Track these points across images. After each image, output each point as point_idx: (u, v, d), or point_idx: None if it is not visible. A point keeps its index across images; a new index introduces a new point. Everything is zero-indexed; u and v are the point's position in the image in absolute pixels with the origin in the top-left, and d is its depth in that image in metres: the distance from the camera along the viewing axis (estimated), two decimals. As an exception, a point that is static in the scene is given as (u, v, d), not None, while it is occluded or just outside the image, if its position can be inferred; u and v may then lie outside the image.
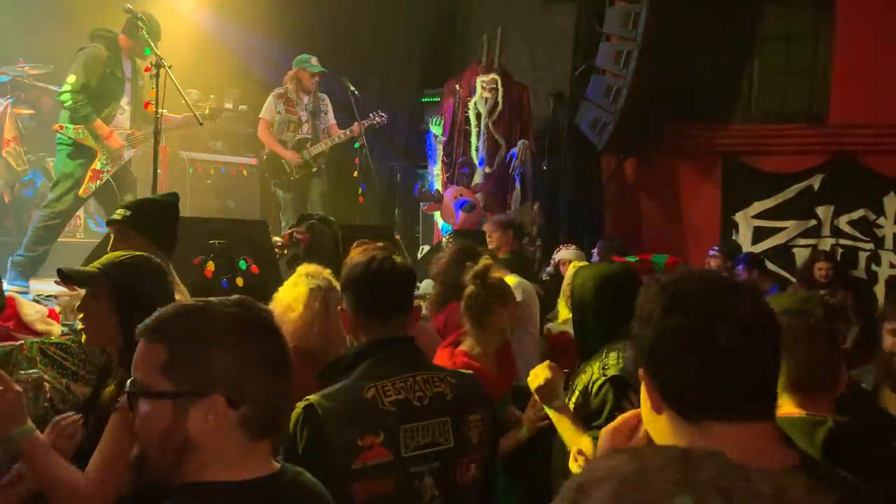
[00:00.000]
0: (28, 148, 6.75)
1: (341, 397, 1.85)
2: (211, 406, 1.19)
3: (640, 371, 1.15)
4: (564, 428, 2.18)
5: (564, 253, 5.81)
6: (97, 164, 5.20)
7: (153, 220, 2.97)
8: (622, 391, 2.19)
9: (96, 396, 2.18)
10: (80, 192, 5.15)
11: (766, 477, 0.67)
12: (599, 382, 2.25)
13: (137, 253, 2.24)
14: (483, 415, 2.02)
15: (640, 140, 7.43)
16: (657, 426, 1.16)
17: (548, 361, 2.29)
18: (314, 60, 6.38)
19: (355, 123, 6.35)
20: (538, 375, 2.21)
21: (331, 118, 6.52)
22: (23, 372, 2.21)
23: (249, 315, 1.26)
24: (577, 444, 2.03)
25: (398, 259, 2.05)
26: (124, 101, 5.31)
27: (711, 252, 6.47)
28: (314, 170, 6.36)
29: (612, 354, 2.27)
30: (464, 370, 2.17)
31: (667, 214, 7.78)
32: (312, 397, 1.83)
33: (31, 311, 3.37)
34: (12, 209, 6.54)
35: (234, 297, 1.31)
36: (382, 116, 6.54)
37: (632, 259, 4.94)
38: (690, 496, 0.64)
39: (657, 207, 7.81)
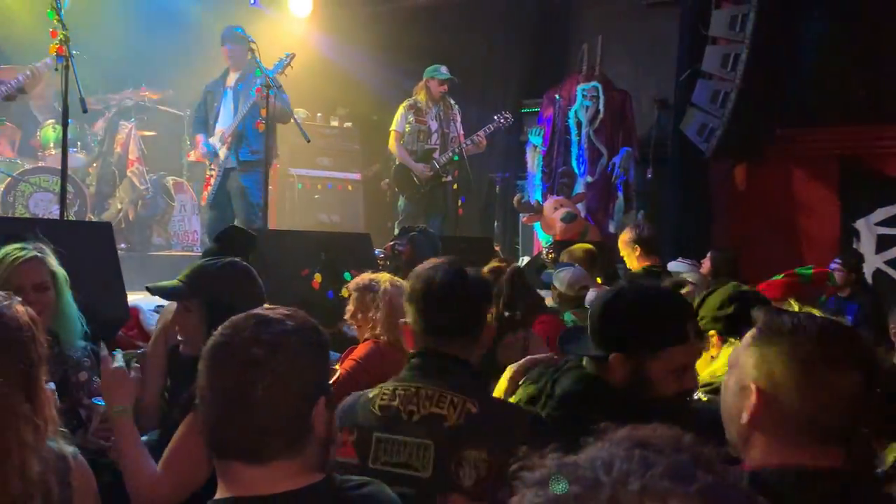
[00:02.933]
0: (150, 168, 7.18)
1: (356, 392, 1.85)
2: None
3: None
4: None
5: (676, 266, 5.58)
6: (206, 171, 5.94)
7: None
8: None
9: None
10: (200, 200, 5.98)
11: None
12: None
13: (224, 260, 2.26)
14: (495, 454, 1.65)
15: (751, 145, 7.13)
16: None
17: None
18: (443, 69, 6.53)
19: (476, 137, 6.45)
20: None
21: (459, 128, 6.65)
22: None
23: (223, 342, 1.29)
24: None
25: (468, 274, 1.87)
26: (226, 108, 5.84)
27: (833, 265, 6.08)
28: (443, 179, 6.49)
29: None
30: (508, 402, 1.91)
31: (781, 223, 7.42)
32: None
33: (154, 322, 3.56)
34: (136, 226, 6.97)
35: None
36: (507, 117, 6.61)
37: (777, 277, 4.66)
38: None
39: (770, 216, 7.45)
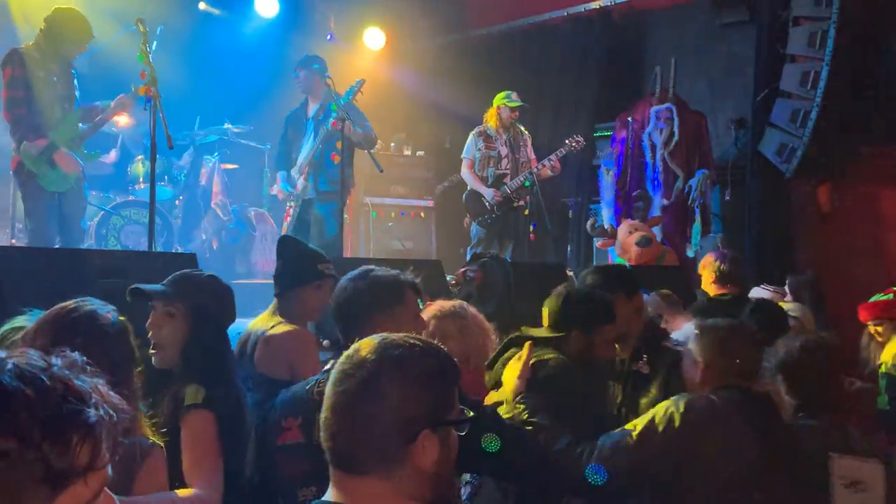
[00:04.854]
0: (233, 199, 7.46)
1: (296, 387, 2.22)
2: None
3: None
4: None
5: (759, 293, 5.42)
6: (287, 204, 6.04)
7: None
8: None
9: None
10: (282, 231, 6.11)
11: None
12: None
13: (209, 274, 2.36)
14: None
15: (834, 165, 6.88)
16: None
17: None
18: (514, 96, 6.61)
19: (547, 161, 6.48)
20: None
21: (530, 153, 6.69)
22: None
23: (349, 352, 1.40)
24: None
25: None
26: (308, 140, 5.92)
27: None
28: (515, 205, 6.53)
29: None
30: None
31: (868, 245, 7.09)
32: None
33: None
34: (220, 255, 7.24)
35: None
36: (578, 140, 6.61)
37: (880, 297, 4.45)
38: None
39: (856, 237, 7.14)
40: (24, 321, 2.03)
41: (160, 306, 2.26)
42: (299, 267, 3.05)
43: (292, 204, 5.98)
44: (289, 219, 6.02)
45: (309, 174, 5.84)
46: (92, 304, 1.89)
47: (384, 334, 1.39)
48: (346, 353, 1.37)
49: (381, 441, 1.29)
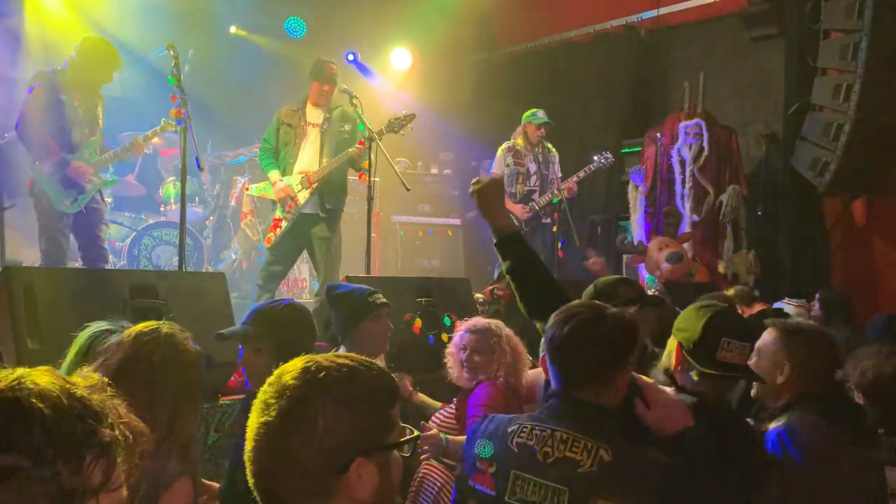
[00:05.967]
0: (262, 220, 7.52)
1: (492, 419, 1.96)
2: None
3: None
4: None
5: (784, 306, 5.35)
6: (277, 213, 5.58)
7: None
8: None
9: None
10: (264, 242, 5.66)
11: None
12: None
13: (287, 303, 2.45)
14: None
15: (869, 178, 6.75)
16: None
17: None
18: (540, 113, 6.62)
19: (569, 181, 6.46)
20: None
21: (557, 170, 6.68)
22: None
23: (271, 380, 1.30)
24: None
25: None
26: (310, 147, 5.56)
27: None
28: (543, 221, 6.51)
29: None
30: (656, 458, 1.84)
31: (904, 259, 6.94)
32: None
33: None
34: (249, 274, 7.30)
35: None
36: (607, 157, 6.59)
37: None
38: None
39: (891, 252, 6.99)
40: (107, 325, 2.08)
41: (247, 345, 2.38)
42: (352, 307, 3.13)
43: (286, 216, 5.50)
44: (278, 230, 5.53)
45: (316, 190, 5.46)
46: (171, 328, 1.95)
47: (311, 356, 1.27)
48: (269, 379, 1.25)
49: (306, 475, 1.17)
